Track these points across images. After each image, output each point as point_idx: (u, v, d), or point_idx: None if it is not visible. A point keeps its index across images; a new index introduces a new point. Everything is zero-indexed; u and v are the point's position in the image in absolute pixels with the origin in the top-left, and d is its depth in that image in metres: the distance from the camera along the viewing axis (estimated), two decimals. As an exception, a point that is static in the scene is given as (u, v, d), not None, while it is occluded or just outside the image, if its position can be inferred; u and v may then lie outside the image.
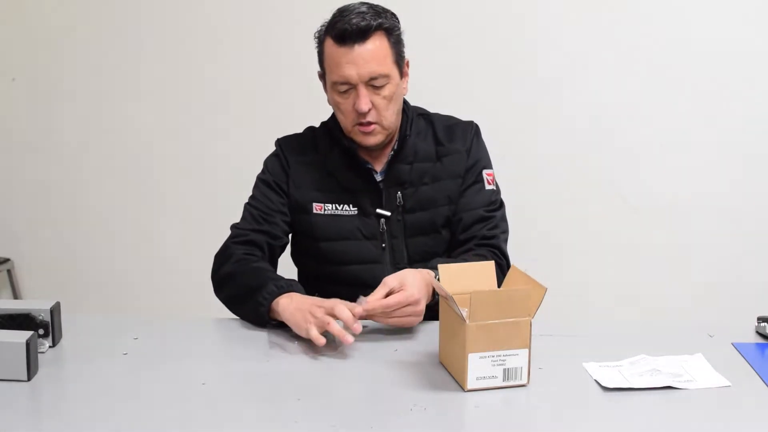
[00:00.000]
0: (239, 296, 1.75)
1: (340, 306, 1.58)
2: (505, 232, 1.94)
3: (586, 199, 3.13)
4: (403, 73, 1.86)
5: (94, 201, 3.35)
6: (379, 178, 1.90)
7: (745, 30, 2.99)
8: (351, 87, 1.79)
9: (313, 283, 1.88)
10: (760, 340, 1.66)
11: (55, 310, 1.61)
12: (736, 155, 3.06)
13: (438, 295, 1.65)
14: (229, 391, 1.45)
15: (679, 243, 3.12)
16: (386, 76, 1.79)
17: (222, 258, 1.84)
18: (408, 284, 1.62)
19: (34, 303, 1.61)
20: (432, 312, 1.65)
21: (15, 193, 3.39)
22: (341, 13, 1.79)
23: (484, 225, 1.89)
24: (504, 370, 1.42)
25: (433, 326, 1.59)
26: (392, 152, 1.90)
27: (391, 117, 1.84)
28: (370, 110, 1.79)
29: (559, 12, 3.04)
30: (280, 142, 1.97)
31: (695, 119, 3.05)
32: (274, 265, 1.90)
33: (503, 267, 1.85)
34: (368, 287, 1.64)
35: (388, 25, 1.79)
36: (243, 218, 1.91)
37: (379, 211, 1.88)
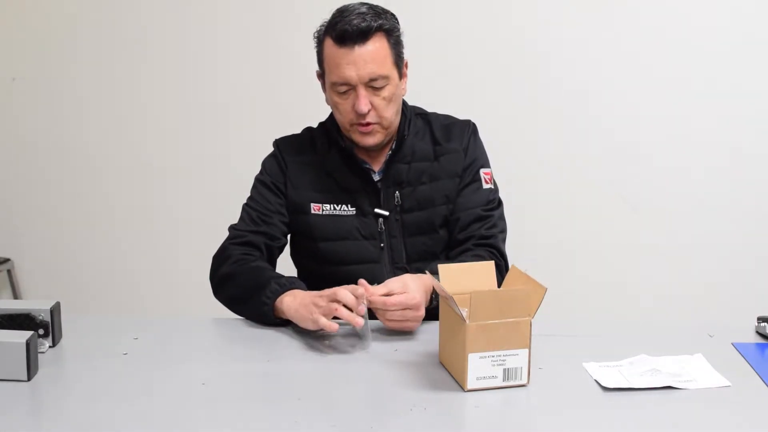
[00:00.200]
0: (241, 296, 1.76)
1: (343, 291, 1.58)
2: (503, 231, 1.94)
3: (586, 199, 3.13)
4: (402, 74, 1.86)
5: (94, 201, 3.34)
6: (377, 177, 1.90)
7: (746, 30, 2.99)
8: (350, 88, 1.79)
9: (312, 283, 1.87)
10: (760, 340, 1.66)
11: (55, 310, 1.61)
12: (737, 155, 3.06)
13: (437, 299, 1.66)
14: (229, 391, 1.45)
15: (679, 243, 3.12)
16: (386, 78, 1.79)
17: (220, 259, 1.84)
18: (410, 288, 1.62)
19: (34, 303, 1.61)
20: (432, 312, 1.65)
21: (15, 193, 3.39)
22: (341, 14, 1.79)
23: (482, 224, 1.89)
24: (504, 370, 1.42)
25: (433, 326, 1.59)
26: (390, 152, 1.90)
27: (391, 118, 1.84)
28: (369, 111, 1.79)
29: (559, 12, 3.04)
30: (277, 143, 1.97)
31: (695, 119, 3.05)
32: (273, 266, 1.91)
33: (501, 267, 1.85)
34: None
35: (388, 27, 1.79)
36: (241, 219, 1.91)
37: (377, 210, 1.88)
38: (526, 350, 1.43)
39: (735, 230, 3.09)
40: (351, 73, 1.76)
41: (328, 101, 1.88)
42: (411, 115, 1.94)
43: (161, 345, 1.65)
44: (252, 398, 1.42)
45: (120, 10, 3.20)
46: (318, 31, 1.84)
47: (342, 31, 1.75)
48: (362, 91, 1.78)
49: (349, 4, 1.82)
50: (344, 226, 1.88)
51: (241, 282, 1.76)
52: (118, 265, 3.37)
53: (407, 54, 1.87)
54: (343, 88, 1.80)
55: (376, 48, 1.77)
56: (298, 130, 2.01)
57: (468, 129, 1.96)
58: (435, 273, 1.54)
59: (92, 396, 1.42)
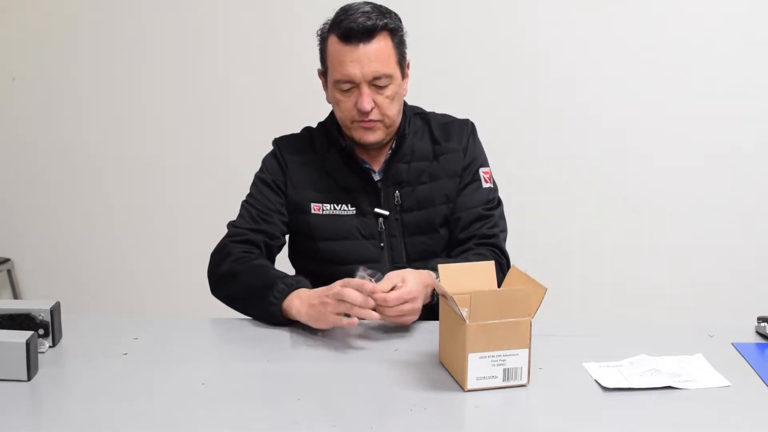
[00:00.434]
0: (244, 295, 1.75)
1: (348, 291, 1.58)
2: (504, 230, 1.94)
3: (586, 199, 3.13)
4: (404, 74, 1.86)
5: (94, 201, 3.35)
6: (377, 177, 1.90)
7: (746, 30, 2.99)
8: (354, 86, 1.79)
9: (312, 283, 1.87)
10: (760, 340, 1.66)
11: (55, 310, 1.61)
12: (737, 155, 3.06)
13: (437, 296, 1.66)
14: (229, 391, 1.45)
15: (679, 243, 3.12)
16: (389, 77, 1.79)
17: (219, 256, 1.84)
18: (408, 282, 1.63)
19: (34, 303, 1.61)
20: (432, 312, 1.65)
21: (15, 193, 3.39)
22: (346, 12, 1.79)
23: (483, 224, 1.89)
24: (504, 370, 1.42)
25: (433, 326, 1.59)
26: (390, 151, 1.90)
27: (393, 116, 1.84)
28: (372, 109, 1.79)
29: (559, 12, 3.04)
30: (277, 142, 1.97)
31: (695, 119, 3.06)
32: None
33: (503, 266, 1.86)
34: None
35: (392, 26, 1.80)
36: (240, 216, 1.91)
37: (377, 210, 1.88)
38: (526, 350, 1.43)
39: (735, 230, 3.10)
40: (355, 70, 1.77)
41: (328, 99, 1.88)
42: (410, 114, 1.94)
43: (161, 345, 1.65)
44: (252, 398, 1.42)
45: (120, 10, 3.20)
46: (321, 29, 1.84)
47: (347, 28, 1.76)
48: (366, 89, 1.78)
49: (353, 3, 1.82)
50: (344, 226, 1.88)
51: (244, 281, 1.76)
52: (118, 265, 3.37)
53: (408, 54, 1.87)
54: (347, 86, 1.80)
55: (380, 47, 1.77)
56: (297, 130, 2.01)
57: (467, 128, 1.96)
58: (435, 270, 1.54)
59: (92, 396, 1.42)
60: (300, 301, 1.67)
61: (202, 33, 3.19)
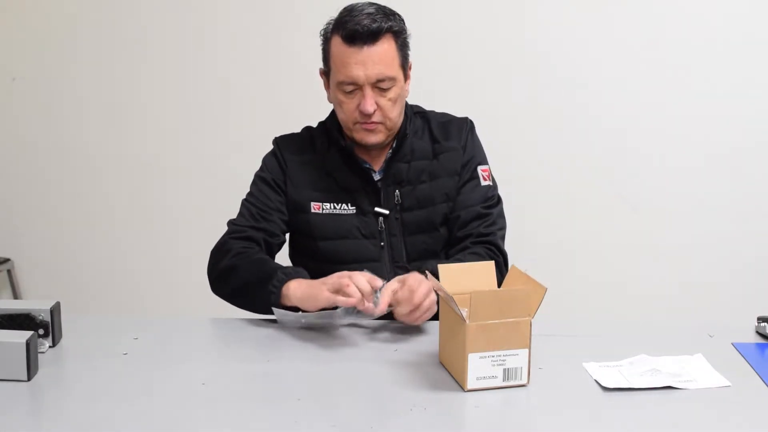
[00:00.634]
0: (244, 287, 1.75)
1: (359, 276, 1.59)
2: (502, 228, 1.94)
3: (586, 199, 3.13)
4: (407, 76, 1.86)
5: (94, 201, 3.34)
6: (377, 177, 1.90)
7: (746, 30, 2.99)
8: (357, 87, 1.79)
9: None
10: (760, 340, 1.66)
11: (55, 310, 1.61)
12: (737, 155, 3.06)
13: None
14: (229, 391, 1.45)
15: (679, 243, 3.12)
16: (393, 79, 1.79)
17: (220, 253, 1.84)
18: (409, 279, 1.63)
19: (34, 303, 1.61)
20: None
21: (15, 193, 3.39)
22: (350, 13, 1.78)
23: (481, 222, 1.89)
24: (504, 370, 1.42)
25: (433, 326, 1.59)
26: (391, 151, 1.90)
27: (395, 118, 1.84)
28: (375, 111, 1.79)
29: (559, 12, 3.04)
30: (277, 141, 1.97)
31: (695, 119, 3.06)
32: None
33: (500, 264, 1.85)
34: None
35: (397, 29, 1.79)
36: (240, 214, 1.91)
37: (377, 209, 1.88)
38: (526, 350, 1.43)
39: (735, 230, 3.09)
40: (359, 72, 1.76)
41: (330, 99, 1.88)
42: (410, 113, 1.94)
43: (161, 345, 1.65)
44: (252, 398, 1.42)
45: (120, 10, 3.20)
46: (325, 29, 1.83)
47: (352, 30, 1.75)
48: (369, 92, 1.78)
49: (357, 3, 1.82)
50: (344, 225, 1.88)
51: (244, 273, 1.76)
52: (118, 265, 3.37)
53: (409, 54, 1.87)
54: (350, 88, 1.79)
55: (384, 49, 1.77)
56: (297, 130, 2.00)
57: (466, 126, 1.96)
58: (434, 272, 1.54)
59: (92, 396, 1.42)
60: (297, 284, 1.68)
61: (202, 33, 3.19)
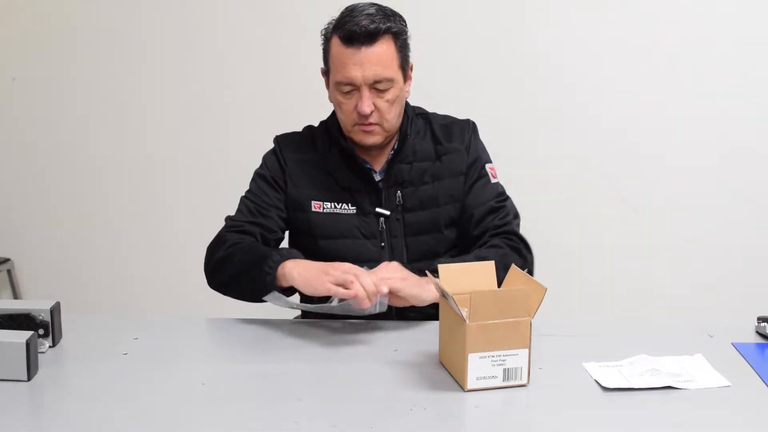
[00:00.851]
0: (239, 273, 1.75)
1: (364, 276, 1.59)
2: (518, 217, 1.93)
3: (586, 199, 3.13)
4: (407, 77, 1.86)
5: (94, 201, 3.34)
6: (378, 177, 1.90)
7: (746, 30, 2.99)
8: (354, 88, 1.79)
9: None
10: (760, 340, 1.66)
11: (55, 310, 1.61)
12: (737, 155, 3.06)
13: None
14: (229, 391, 1.45)
15: (679, 243, 3.12)
16: (390, 80, 1.79)
17: (215, 246, 1.84)
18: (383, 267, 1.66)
19: (34, 303, 1.61)
20: (432, 311, 1.65)
21: (15, 193, 3.39)
22: (350, 13, 1.78)
23: (496, 215, 1.89)
24: (504, 370, 1.42)
25: (433, 326, 1.59)
26: (392, 152, 1.90)
27: (393, 120, 1.84)
28: (372, 113, 1.79)
29: (560, 12, 3.04)
30: (278, 140, 1.97)
31: (696, 119, 3.05)
32: None
33: (520, 250, 1.84)
34: None
35: (396, 30, 1.79)
36: (238, 210, 1.92)
37: (378, 210, 1.88)
38: (526, 350, 1.43)
39: (735, 230, 3.09)
40: (356, 73, 1.76)
41: (331, 98, 1.88)
42: (412, 115, 1.94)
43: (161, 345, 1.65)
44: (252, 398, 1.42)
45: (120, 10, 3.20)
46: (325, 29, 1.83)
47: (350, 31, 1.75)
48: (366, 92, 1.78)
49: (358, 3, 1.82)
50: (345, 225, 1.88)
51: (238, 259, 1.76)
52: (118, 265, 3.37)
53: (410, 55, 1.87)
54: (347, 88, 1.79)
55: (383, 50, 1.77)
56: (298, 129, 2.00)
57: (468, 128, 1.96)
58: (435, 271, 1.54)
59: (92, 396, 1.42)
60: (295, 263, 1.68)
61: (203, 33, 3.19)
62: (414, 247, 1.89)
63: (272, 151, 1.96)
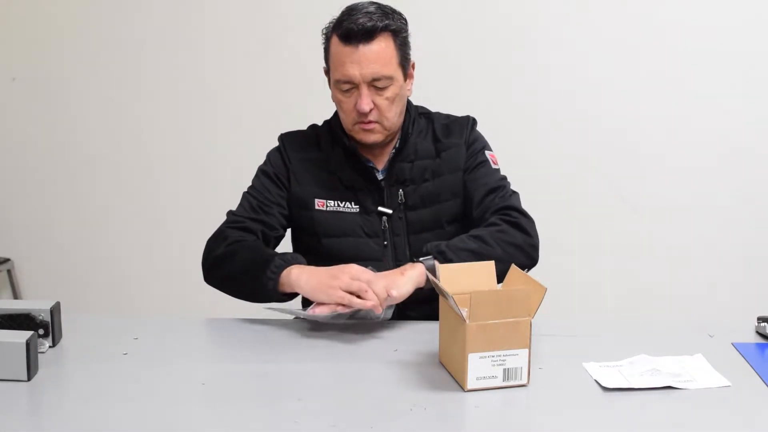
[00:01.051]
0: (239, 273, 1.75)
1: (376, 283, 1.60)
2: (517, 193, 1.93)
3: (585, 199, 3.13)
4: (407, 75, 1.86)
5: (94, 201, 3.35)
6: (380, 176, 1.91)
7: (747, 31, 2.99)
8: (353, 86, 1.79)
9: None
10: (760, 340, 1.66)
11: (55, 310, 1.61)
12: (736, 155, 3.06)
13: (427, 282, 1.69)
14: (229, 391, 1.45)
15: (679, 243, 3.12)
16: (389, 78, 1.79)
17: (216, 242, 1.83)
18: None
19: (34, 303, 1.61)
20: (432, 312, 1.64)
21: (15, 193, 3.39)
22: (349, 12, 1.79)
23: (496, 195, 1.88)
24: (504, 370, 1.42)
25: (433, 326, 1.58)
26: (394, 151, 1.90)
27: (393, 118, 1.84)
28: (371, 110, 1.79)
29: (560, 12, 3.04)
30: (282, 138, 1.98)
31: (696, 119, 3.06)
32: None
33: (519, 224, 1.82)
34: None
35: (395, 27, 1.79)
36: (240, 206, 1.92)
37: (380, 209, 1.88)
38: (526, 350, 1.43)
39: (735, 230, 3.10)
40: (354, 71, 1.77)
41: (333, 97, 1.88)
42: (415, 114, 1.94)
43: (161, 345, 1.65)
44: (252, 398, 1.42)
45: (120, 10, 3.20)
46: (326, 28, 1.84)
47: (348, 29, 1.76)
48: (365, 90, 1.78)
49: (359, 2, 1.82)
50: (347, 223, 1.88)
51: (240, 259, 1.76)
52: (118, 265, 3.37)
53: (412, 55, 1.87)
54: (347, 87, 1.80)
55: (381, 48, 1.77)
56: (297, 129, 2.00)
57: (468, 123, 1.96)
58: (424, 254, 1.58)
59: (92, 396, 1.42)
60: (300, 270, 1.68)
61: (203, 33, 3.19)
62: (417, 245, 1.89)
63: (276, 149, 1.97)
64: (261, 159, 1.98)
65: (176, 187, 3.30)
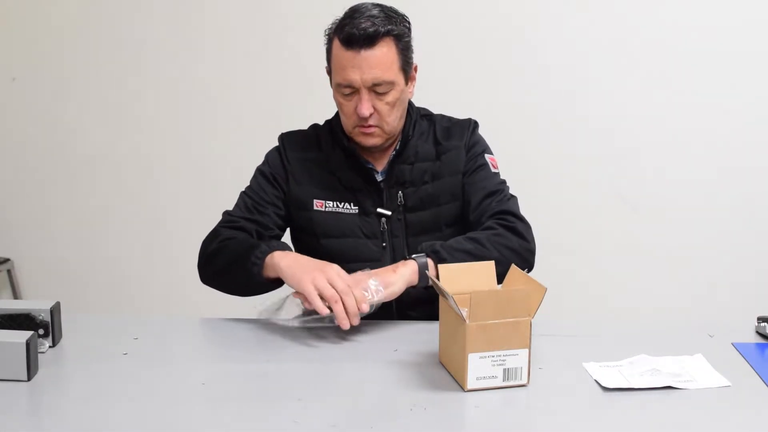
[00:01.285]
0: (228, 263, 1.75)
1: (350, 297, 1.59)
2: (515, 197, 1.92)
3: (585, 199, 3.13)
4: (409, 78, 1.85)
5: (94, 201, 3.35)
6: (379, 178, 1.90)
7: (747, 31, 2.99)
8: (354, 90, 1.79)
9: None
10: (760, 340, 1.66)
11: (55, 310, 1.61)
12: (737, 155, 3.06)
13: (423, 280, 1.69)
14: (229, 391, 1.45)
15: (679, 243, 3.12)
16: (390, 83, 1.78)
17: (209, 241, 1.84)
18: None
19: (34, 303, 1.61)
20: (432, 312, 1.65)
21: (15, 193, 3.39)
22: (352, 15, 1.78)
23: (493, 199, 1.88)
24: (504, 370, 1.42)
25: (433, 326, 1.58)
26: (394, 152, 1.90)
27: (393, 122, 1.84)
28: (371, 115, 1.79)
29: (559, 13, 3.04)
30: (282, 138, 1.98)
31: (695, 119, 3.06)
32: None
33: (516, 228, 1.81)
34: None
35: (397, 32, 1.78)
36: (236, 206, 1.92)
37: (380, 210, 1.88)
38: (526, 350, 1.43)
39: (735, 230, 3.10)
40: (355, 76, 1.76)
41: (334, 99, 1.88)
42: (416, 116, 1.94)
43: (161, 345, 1.65)
44: (252, 398, 1.42)
45: (120, 10, 3.20)
46: (329, 29, 1.83)
47: (350, 34, 1.74)
48: (365, 95, 1.78)
49: (362, 4, 1.81)
50: (346, 224, 1.88)
51: (228, 252, 1.77)
52: (118, 265, 3.37)
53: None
54: (348, 90, 1.79)
55: (383, 53, 1.76)
56: (296, 129, 2.00)
57: (469, 126, 1.96)
58: (419, 252, 1.60)
59: (92, 396, 1.42)
60: (284, 254, 1.69)
61: (203, 33, 3.19)
62: (415, 247, 1.89)
63: (276, 149, 1.97)
64: (261, 159, 1.98)
65: (176, 187, 3.30)
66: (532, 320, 1.43)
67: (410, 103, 1.93)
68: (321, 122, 2.00)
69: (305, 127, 2.00)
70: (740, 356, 1.58)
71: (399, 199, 1.89)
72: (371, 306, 1.64)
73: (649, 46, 3.03)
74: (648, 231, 3.13)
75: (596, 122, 3.09)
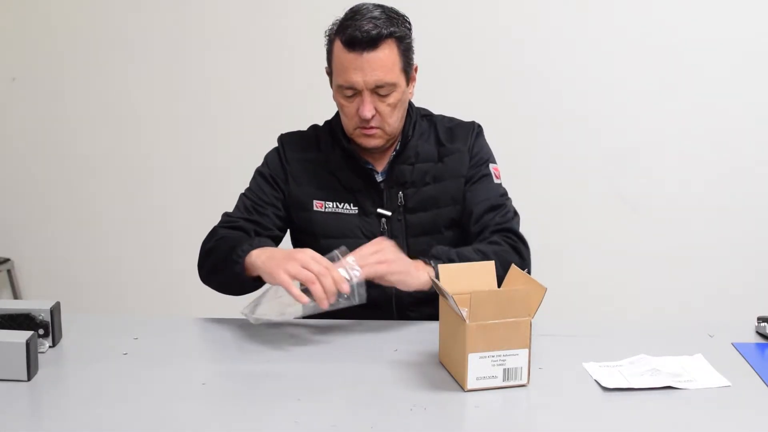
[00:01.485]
0: (219, 263, 1.75)
1: (327, 277, 1.55)
2: (517, 215, 1.92)
3: (585, 199, 3.13)
4: (410, 79, 1.85)
5: (94, 201, 3.35)
6: (379, 178, 1.90)
7: (747, 31, 2.99)
8: (356, 92, 1.78)
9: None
10: (760, 340, 1.66)
11: (55, 310, 1.61)
12: (737, 155, 3.06)
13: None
14: (229, 391, 1.45)
15: (679, 243, 3.12)
16: (392, 85, 1.78)
17: (206, 241, 1.85)
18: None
19: (34, 303, 1.61)
20: (432, 312, 1.65)
21: (15, 193, 3.39)
22: (354, 16, 1.77)
23: (496, 213, 1.87)
24: (504, 370, 1.42)
25: (433, 326, 1.58)
26: (394, 153, 1.90)
27: (395, 123, 1.84)
28: (373, 116, 1.79)
29: (559, 13, 3.04)
30: (282, 138, 1.98)
31: (695, 119, 3.06)
32: None
33: (519, 249, 1.82)
34: (369, 286, 1.64)
35: (399, 34, 1.77)
36: (236, 207, 1.92)
37: (380, 211, 1.88)
38: (526, 350, 1.43)
39: (735, 230, 3.10)
40: (357, 78, 1.75)
41: (335, 100, 1.88)
42: (416, 116, 1.93)
43: (161, 345, 1.65)
44: (252, 398, 1.42)
45: (120, 10, 3.20)
46: (330, 29, 1.82)
47: (352, 36, 1.74)
48: (367, 97, 1.77)
49: (363, 5, 1.80)
50: (346, 225, 1.88)
51: (218, 251, 1.77)
52: (118, 265, 3.37)
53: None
54: (349, 92, 1.79)
55: (385, 55, 1.76)
56: (295, 130, 2.00)
57: (473, 130, 1.95)
58: (431, 256, 1.58)
59: (92, 396, 1.42)
60: (261, 251, 1.67)
61: (203, 33, 3.19)
62: (415, 248, 1.88)
63: (275, 150, 1.97)
64: (261, 160, 1.98)
65: (176, 188, 3.30)
66: (532, 320, 1.43)
67: (410, 104, 1.92)
68: (321, 123, 1.99)
69: (305, 127, 2.00)
70: (740, 356, 1.58)
71: (399, 200, 1.89)
72: (352, 288, 1.58)
73: (649, 46, 3.03)
74: (648, 231, 3.13)
75: (596, 122, 3.09)
